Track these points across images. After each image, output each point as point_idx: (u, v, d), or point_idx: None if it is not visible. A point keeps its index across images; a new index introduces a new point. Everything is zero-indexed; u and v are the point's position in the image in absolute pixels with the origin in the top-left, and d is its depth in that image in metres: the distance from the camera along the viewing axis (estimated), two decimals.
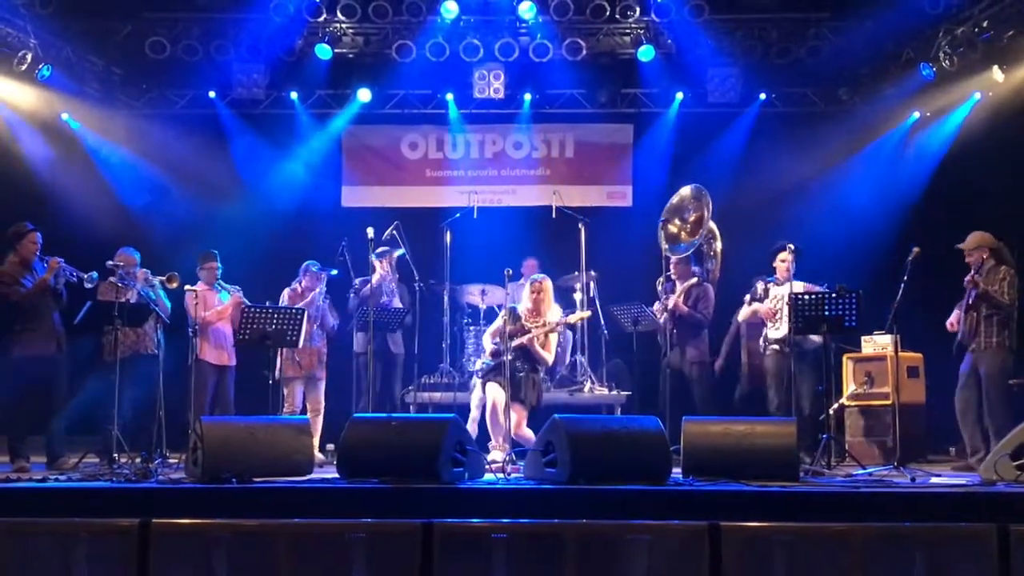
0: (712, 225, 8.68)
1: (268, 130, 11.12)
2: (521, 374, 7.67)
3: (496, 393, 7.65)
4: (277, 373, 8.22)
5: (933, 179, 10.16)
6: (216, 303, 8.51)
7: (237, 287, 8.56)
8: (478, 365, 8.18)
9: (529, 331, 7.74)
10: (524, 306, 7.94)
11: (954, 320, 7.75)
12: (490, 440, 7.73)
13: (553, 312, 7.95)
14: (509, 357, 7.49)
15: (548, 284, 8.00)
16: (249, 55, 10.34)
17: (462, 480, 5.97)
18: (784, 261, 8.01)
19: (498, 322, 7.95)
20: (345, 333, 8.88)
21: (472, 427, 7.89)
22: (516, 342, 7.64)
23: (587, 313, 8.72)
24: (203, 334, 8.35)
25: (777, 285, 8.08)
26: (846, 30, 10.15)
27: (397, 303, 9.08)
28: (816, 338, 7.76)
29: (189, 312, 8.35)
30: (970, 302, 7.52)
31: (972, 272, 7.42)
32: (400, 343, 9.17)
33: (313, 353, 8.45)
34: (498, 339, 7.78)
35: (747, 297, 8.40)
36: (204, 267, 8.57)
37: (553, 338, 7.85)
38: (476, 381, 8.15)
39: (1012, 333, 7.46)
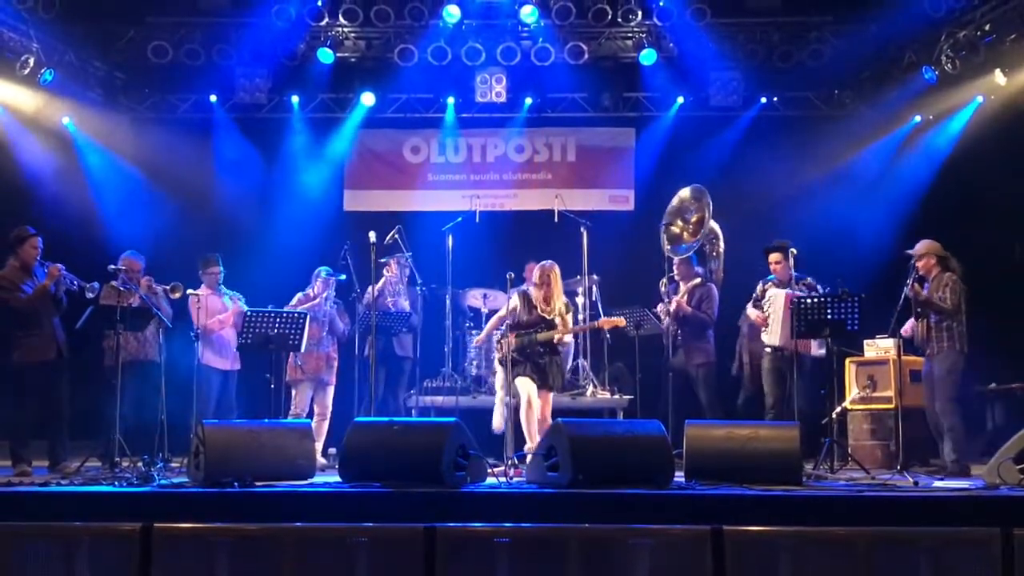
0: (715, 225, 8.68)
1: (270, 134, 11.12)
2: (544, 360, 7.54)
3: (530, 388, 7.48)
4: (287, 376, 8.26)
5: (936, 182, 10.15)
6: (220, 307, 8.51)
7: (238, 294, 8.56)
8: (499, 355, 7.80)
9: (550, 321, 7.57)
10: (537, 293, 7.69)
11: (908, 328, 7.82)
12: (525, 442, 7.48)
13: (561, 300, 7.81)
14: (538, 348, 7.39)
15: (557, 270, 7.77)
16: (251, 59, 10.37)
17: (464, 484, 5.95)
18: (777, 262, 8.06)
19: (507, 307, 7.77)
20: (350, 337, 8.86)
21: (499, 420, 7.74)
22: (544, 336, 7.52)
23: (620, 321, 8.31)
24: (206, 339, 8.34)
25: (776, 286, 8.09)
26: (848, 34, 10.16)
27: (404, 303, 9.07)
28: (816, 351, 7.81)
29: (192, 316, 8.34)
30: (918, 311, 7.61)
31: (911, 281, 7.45)
32: (408, 347, 9.15)
33: (321, 358, 8.41)
34: (510, 322, 7.59)
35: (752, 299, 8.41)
36: (206, 271, 8.57)
37: (568, 317, 7.76)
38: (499, 370, 7.83)
39: (962, 336, 7.54)
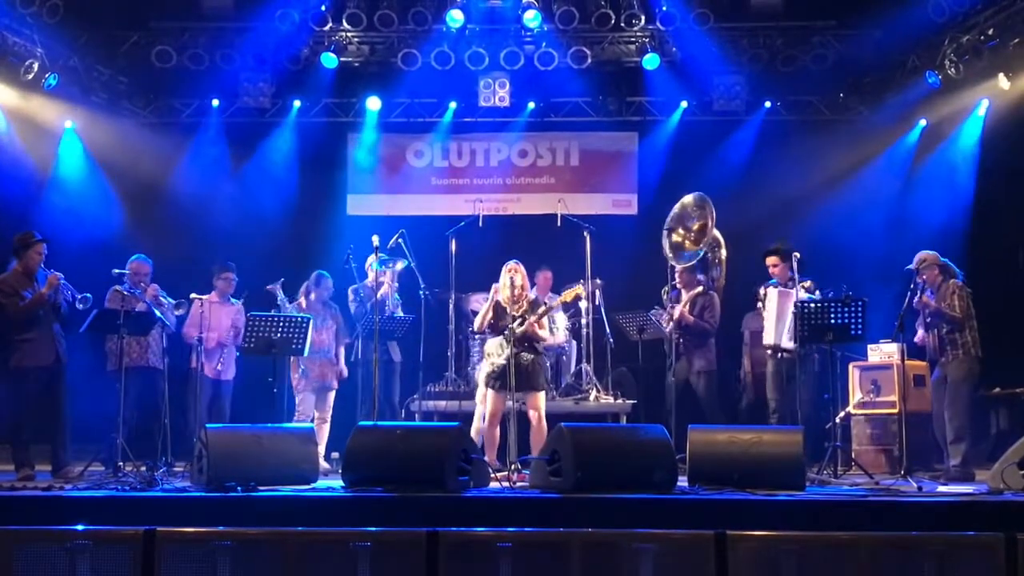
0: (717, 233, 8.66)
1: (274, 138, 11.13)
2: (527, 360, 7.42)
3: (495, 405, 7.46)
4: (295, 382, 8.29)
5: (938, 187, 10.13)
6: (224, 317, 8.50)
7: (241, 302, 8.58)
8: (486, 369, 7.68)
9: (522, 317, 7.46)
10: (504, 295, 7.62)
11: (920, 338, 7.81)
12: (527, 445, 7.44)
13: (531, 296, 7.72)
14: (513, 350, 7.30)
15: (521, 268, 7.67)
16: (255, 64, 10.37)
17: (467, 489, 5.96)
18: (775, 265, 8.06)
19: (483, 311, 7.72)
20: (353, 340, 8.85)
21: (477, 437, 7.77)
22: (520, 330, 7.39)
23: (579, 289, 8.37)
24: (202, 346, 8.29)
25: (775, 288, 8.09)
26: (852, 38, 10.15)
27: (399, 312, 9.07)
28: (785, 343, 7.81)
29: (193, 321, 8.32)
30: (927, 321, 7.60)
31: (919, 293, 7.45)
32: (398, 351, 9.14)
33: (325, 364, 8.42)
34: (491, 324, 7.58)
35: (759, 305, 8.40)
36: (221, 277, 8.58)
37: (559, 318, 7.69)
38: (480, 384, 7.82)
39: (975, 341, 7.52)
